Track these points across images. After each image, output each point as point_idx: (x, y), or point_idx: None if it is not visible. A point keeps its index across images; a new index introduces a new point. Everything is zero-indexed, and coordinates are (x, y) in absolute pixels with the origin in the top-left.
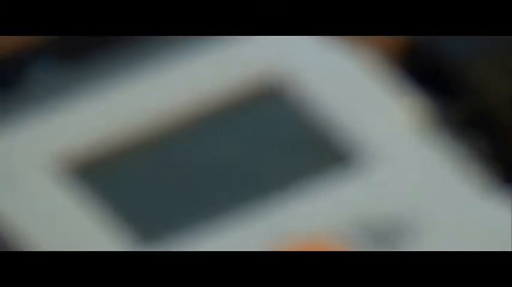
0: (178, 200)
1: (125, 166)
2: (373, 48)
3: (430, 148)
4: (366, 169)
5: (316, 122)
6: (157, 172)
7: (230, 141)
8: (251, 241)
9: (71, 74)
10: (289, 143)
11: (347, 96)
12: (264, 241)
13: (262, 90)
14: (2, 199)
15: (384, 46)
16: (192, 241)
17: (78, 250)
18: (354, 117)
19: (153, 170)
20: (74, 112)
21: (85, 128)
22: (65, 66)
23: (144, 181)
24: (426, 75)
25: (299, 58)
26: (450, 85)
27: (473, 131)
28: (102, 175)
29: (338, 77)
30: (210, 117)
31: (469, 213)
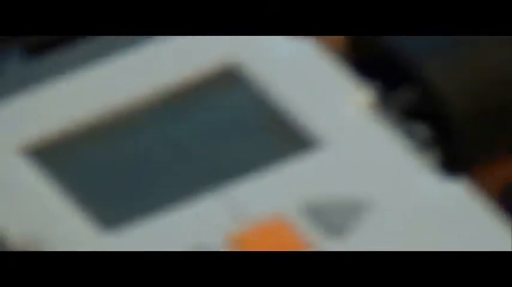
0: (138, 183)
1: (84, 150)
2: (326, 41)
3: (379, 133)
4: (321, 151)
5: (273, 108)
6: (116, 155)
7: (190, 125)
8: (212, 222)
9: (35, 67)
10: (248, 127)
11: (303, 84)
12: (225, 222)
13: (222, 78)
14: None
15: (335, 39)
16: (152, 224)
17: (35, 230)
18: (310, 103)
19: (113, 154)
20: (36, 100)
21: (46, 114)
22: (30, 60)
23: (103, 164)
24: (377, 67)
25: (259, 46)
26: (397, 77)
27: (417, 118)
28: (62, 158)
29: (294, 65)
30: (170, 103)
31: (416, 193)
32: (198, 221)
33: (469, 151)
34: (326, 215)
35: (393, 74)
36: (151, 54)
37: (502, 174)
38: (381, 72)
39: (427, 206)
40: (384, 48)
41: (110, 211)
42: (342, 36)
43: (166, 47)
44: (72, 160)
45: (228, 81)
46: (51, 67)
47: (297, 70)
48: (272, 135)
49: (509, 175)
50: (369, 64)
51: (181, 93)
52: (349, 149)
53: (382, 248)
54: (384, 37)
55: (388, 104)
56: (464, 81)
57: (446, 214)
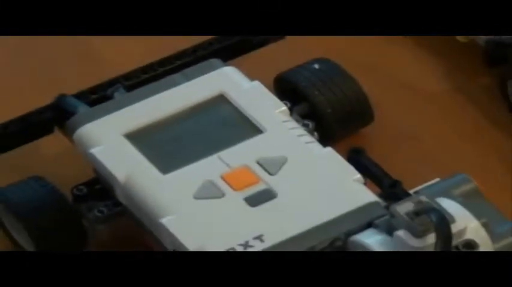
0: (178, 149)
1: (153, 133)
2: (264, 81)
3: (292, 125)
4: (265, 134)
5: (241, 113)
6: (168, 136)
7: (200, 122)
8: (216, 169)
9: (128, 95)
10: (225, 123)
11: (256, 102)
12: (222, 169)
13: (216, 99)
14: (106, 154)
15: (269, 81)
16: (186, 171)
17: (128, 174)
18: (260, 111)
19: (167, 136)
20: (130, 110)
21: (134, 117)
22: (126, 91)
23: (163, 140)
24: (288, 91)
25: (234, 83)
26: (298, 97)
27: (308, 118)
28: (148, 135)
29: (252, 93)
30: (193, 111)
31: (310, 152)
32: (209, 169)
33: (332, 133)
34: (267, 165)
35: (296, 97)
36: (183, 88)
37: (348, 144)
38: (290, 96)
39: (315, 157)
40: (292, 84)
41: (165, 163)
42: (272, 80)
43: (189, 84)
44: (148, 138)
45: (219, 100)
46: (136, 95)
47: (253, 95)
48: (240, 127)
49: (351, 146)
50: (286, 93)
51: (197, 106)
52: (278, 133)
53: (295, 180)
54: (294, 77)
55: (295, 111)
56: (330, 100)
57: (323, 161)
